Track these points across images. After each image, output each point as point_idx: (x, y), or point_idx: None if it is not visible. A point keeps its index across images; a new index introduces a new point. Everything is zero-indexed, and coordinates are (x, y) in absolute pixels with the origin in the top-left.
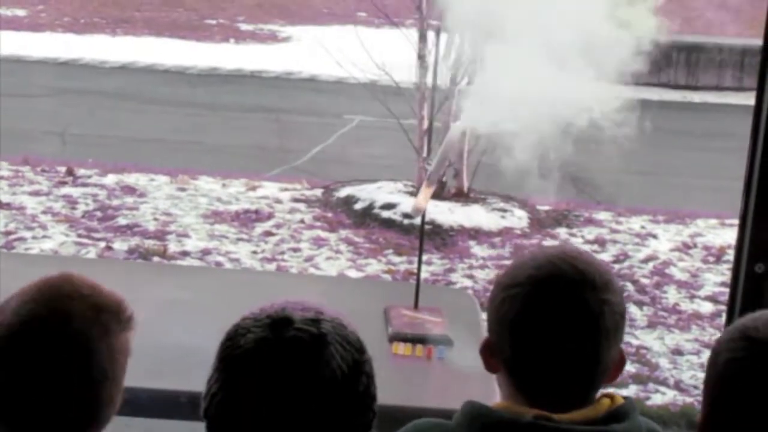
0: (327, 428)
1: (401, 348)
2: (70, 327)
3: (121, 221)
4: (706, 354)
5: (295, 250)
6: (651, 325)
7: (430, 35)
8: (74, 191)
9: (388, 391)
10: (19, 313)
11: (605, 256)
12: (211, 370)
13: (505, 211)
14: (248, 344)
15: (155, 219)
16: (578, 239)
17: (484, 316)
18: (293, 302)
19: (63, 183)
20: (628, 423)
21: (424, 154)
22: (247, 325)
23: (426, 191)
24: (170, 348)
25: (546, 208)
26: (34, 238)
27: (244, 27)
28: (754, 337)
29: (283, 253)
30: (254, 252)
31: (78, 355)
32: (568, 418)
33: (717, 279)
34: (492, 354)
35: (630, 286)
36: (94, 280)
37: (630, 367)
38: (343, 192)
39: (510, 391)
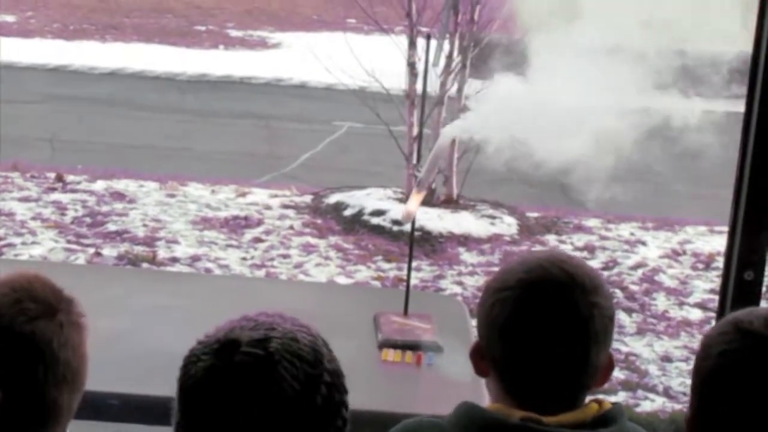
0: None
1: (391, 354)
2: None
3: (111, 227)
4: None
5: (285, 256)
6: (640, 332)
7: (420, 42)
8: (63, 197)
9: (378, 398)
10: None
11: (594, 263)
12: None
13: (494, 217)
14: (198, 373)
15: (144, 225)
16: (568, 246)
17: (473, 322)
18: (246, 319)
19: (52, 189)
20: (615, 427)
21: (414, 161)
22: (198, 351)
23: (416, 198)
24: (159, 354)
25: (535, 214)
26: (23, 244)
27: (233, 33)
28: (748, 330)
29: (272, 259)
30: (244, 258)
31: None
32: (556, 420)
33: (706, 286)
34: (482, 358)
35: (619, 293)
36: (45, 279)
37: (619, 374)
38: (333, 198)
39: (499, 395)
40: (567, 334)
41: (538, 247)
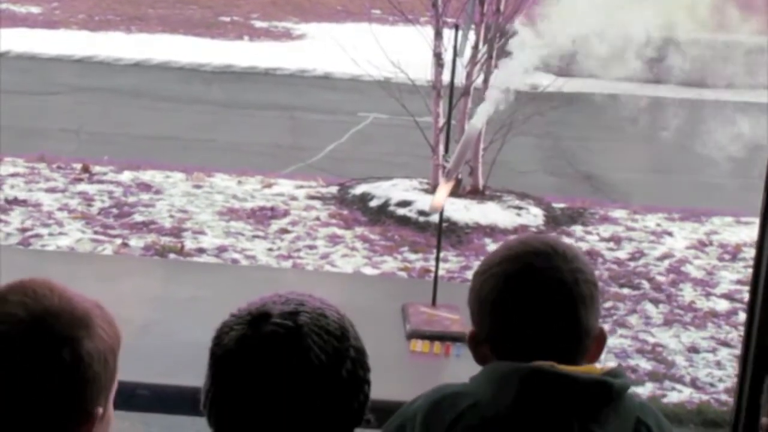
0: (316, 414)
1: (419, 345)
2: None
3: (137, 218)
4: (723, 352)
5: (311, 247)
6: (667, 323)
7: (446, 32)
8: (90, 188)
9: (407, 388)
10: None
11: (621, 254)
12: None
13: (520, 208)
14: (230, 342)
15: (171, 216)
16: (594, 237)
17: None
18: (277, 296)
19: (79, 180)
20: (622, 380)
21: (441, 152)
22: (230, 323)
23: (444, 188)
24: (188, 345)
25: (561, 205)
26: (50, 234)
27: (258, 24)
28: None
29: (299, 250)
30: (270, 249)
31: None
32: (566, 368)
33: (733, 277)
34: (479, 343)
35: (646, 284)
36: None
37: (646, 365)
38: (359, 189)
39: None
40: (555, 297)
41: (564, 238)
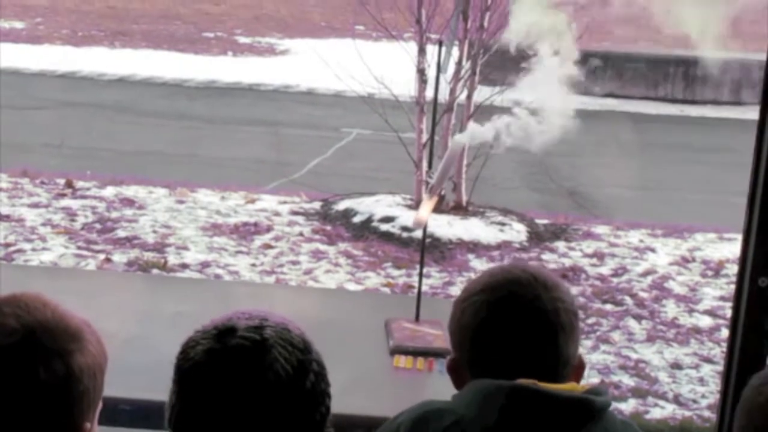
0: (280, 426)
1: (402, 361)
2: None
3: (121, 233)
4: (705, 368)
5: (294, 262)
6: (650, 339)
7: (429, 48)
8: (73, 203)
9: (390, 404)
10: None
11: (604, 270)
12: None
13: (503, 224)
14: (197, 355)
15: (154, 231)
16: (577, 253)
17: None
18: (241, 312)
19: (62, 195)
20: (604, 398)
21: (425, 167)
22: (197, 337)
23: (428, 204)
24: (170, 360)
25: (545, 221)
26: (33, 250)
27: (242, 40)
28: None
29: (282, 265)
30: (253, 265)
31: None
32: (548, 386)
33: (716, 293)
34: (458, 369)
35: (629, 300)
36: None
37: (629, 381)
38: (342, 205)
39: None
40: (535, 325)
41: (547, 254)
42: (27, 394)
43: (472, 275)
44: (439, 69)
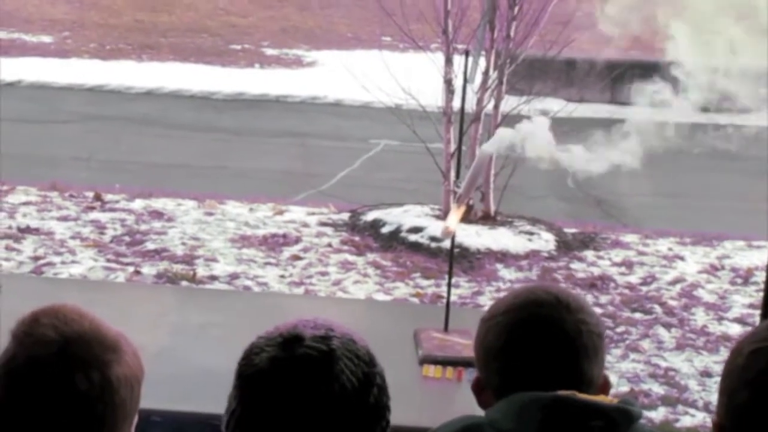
0: None
1: (431, 370)
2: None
3: (149, 246)
4: None
5: (323, 273)
6: (679, 347)
7: (456, 59)
8: (102, 216)
9: (419, 413)
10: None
11: (633, 279)
12: (232, 387)
13: (532, 234)
14: (262, 363)
15: (183, 243)
16: (605, 261)
17: None
18: (305, 320)
19: (91, 208)
20: (636, 408)
21: (453, 177)
22: (261, 344)
23: (456, 214)
24: (201, 371)
25: (573, 230)
26: (62, 263)
27: (269, 52)
28: None
29: (310, 276)
30: (282, 276)
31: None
32: (592, 398)
33: (745, 301)
34: (482, 389)
35: (658, 308)
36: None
37: (659, 389)
38: (370, 216)
39: None
40: (557, 349)
41: (576, 263)
42: (65, 404)
43: (501, 285)
44: (466, 79)
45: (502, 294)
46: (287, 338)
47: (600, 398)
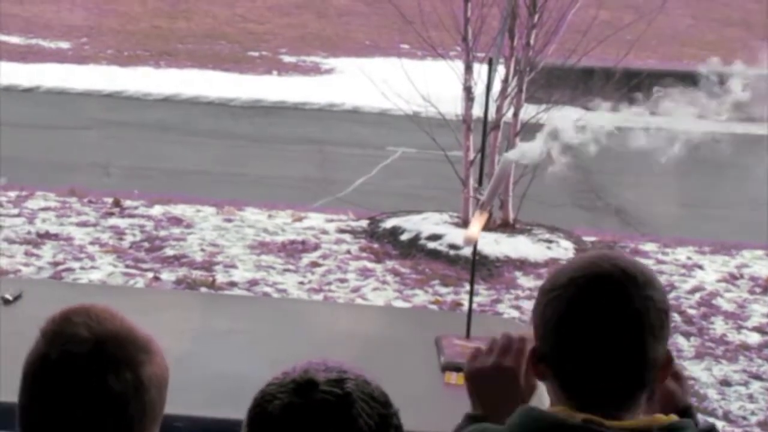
0: None
1: (453, 377)
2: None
3: (169, 252)
4: (755, 385)
5: (342, 280)
6: (698, 356)
7: (476, 66)
8: (121, 222)
9: (442, 421)
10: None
11: None
12: None
13: (551, 242)
14: (276, 411)
15: (202, 250)
16: None
17: None
18: (315, 363)
19: (110, 214)
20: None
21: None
22: (273, 391)
23: (478, 221)
24: (223, 376)
25: (592, 239)
26: (82, 268)
27: (287, 59)
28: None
29: (329, 283)
30: (301, 283)
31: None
32: (618, 425)
33: (764, 310)
34: (538, 361)
35: (677, 317)
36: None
37: None
38: (389, 223)
39: (559, 398)
40: (622, 328)
41: None
42: (97, 402)
43: (520, 293)
44: (490, 86)
45: (520, 302)
46: (301, 383)
47: (644, 422)
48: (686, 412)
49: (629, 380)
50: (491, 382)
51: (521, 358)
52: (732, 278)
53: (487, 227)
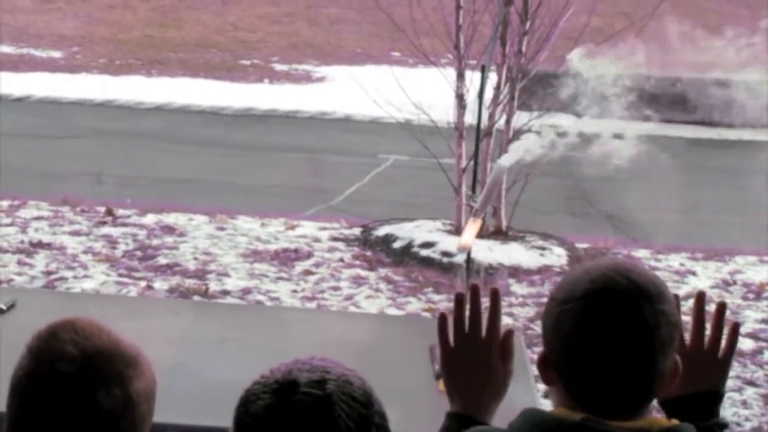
0: None
1: None
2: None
3: (161, 261)
4: (749, 391)
5: (335, 288)
6: None
7: (468, 74)
8: (114, 231)
9: (435, 428)
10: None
11: None
12: None
13: (543, 249)
14: (258, 411)
15: (195, 258)
16: None
17: (529, 352)
18: (301, 362)
19: (103, 223)
20: None
21: (465, 192)
22: (257, 390)
23: (472, 228)
24: (215, 385)
25: (585, 245)
26: (75, 277)
27: (278, 67)
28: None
29: (322, 291)
30: (294, 291)
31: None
32: (617, 424)
33: (757, 316)
34: (547, 367)
35: None
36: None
37: None
38: (382, 231)
39: (564, 401)
40: (633, 344)
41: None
42: (87, 420)
43: (513, 300)
44: (483, 94)
45: (514, 309)
46: (282, 384)
47: (644, 423)
48: (715, 398)
49: (638, 391)
50: (461, 362)
51: (493, 332)
52: (725, 284)
53: (480, 234)
